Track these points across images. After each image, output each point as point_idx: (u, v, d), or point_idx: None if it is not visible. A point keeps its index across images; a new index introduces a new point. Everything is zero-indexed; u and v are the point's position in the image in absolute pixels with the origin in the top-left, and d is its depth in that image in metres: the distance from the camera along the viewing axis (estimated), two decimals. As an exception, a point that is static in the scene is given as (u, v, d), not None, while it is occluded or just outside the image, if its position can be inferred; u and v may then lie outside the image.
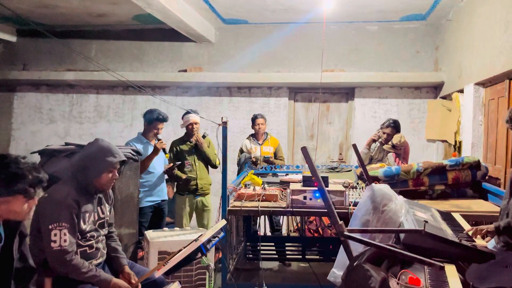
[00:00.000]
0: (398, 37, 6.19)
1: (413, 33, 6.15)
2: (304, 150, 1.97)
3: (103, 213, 2.57)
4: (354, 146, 3.27)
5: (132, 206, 3.45)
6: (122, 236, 3.13)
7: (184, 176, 4.58)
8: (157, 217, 4.37)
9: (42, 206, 2.26)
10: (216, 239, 2.38)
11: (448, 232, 2.53)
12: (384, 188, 2.92)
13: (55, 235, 2.22)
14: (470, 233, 2.53)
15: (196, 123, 4.65)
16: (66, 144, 3.02)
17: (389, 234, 2.55)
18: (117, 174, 2.54)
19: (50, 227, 2.19)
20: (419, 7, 5.42)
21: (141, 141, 4.31)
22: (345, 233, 1.90)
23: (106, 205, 2.63)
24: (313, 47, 6.19)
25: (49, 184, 2.50)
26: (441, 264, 1.84)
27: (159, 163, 4.36)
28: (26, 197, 1.82)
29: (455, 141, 5.27)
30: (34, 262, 2.04)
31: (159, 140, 4.20)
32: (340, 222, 1.92)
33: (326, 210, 3.51)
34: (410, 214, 2.64)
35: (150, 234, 3.31)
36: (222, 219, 2.89)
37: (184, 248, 2.25)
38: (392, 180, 3.88)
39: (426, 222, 2.61)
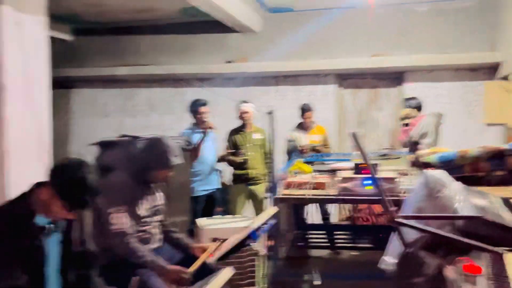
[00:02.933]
0: (449, 17, 5.89)
1: (466, 12, 5.83)
2: (354, 135, 1.95)
3: (156, 200, 2.69)
4: (353, 134, 3.13)
5: (184, 195, 3.57)
6: (175, 224, 3.24)
7: (238, 160, 4.67)
8: (210, 205, 4.50)
9: (101, 192, 2.39)
10: (267, 226, 2.41)
11: (507, 219, 2.41)
12: (438, 174, 2.82)
13: (114, 219, 2.37)
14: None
15: (247, 113, 4.73)
16: (122, 136, 3.16)
17: (444, 221, 2.47)
18: (172, 173, 2.66)
19: (109, 211, 2.32)
20: (474, -16, 5.14)
21: (194, 130, 4.47)
22: (397, 219, 1.86)
23: (160, 193, 2.75)
24: (360, 31, 6.03)
25: (107, 173, 2.66)
26: (500, 252, 1.76)
27: (211, 152, 4.48)
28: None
29: (516, 125, 4.98)
30: (94, 247, 2.16)
31: (205, 122, 4.34)
32: (392, 209, 1.88)
33: (376, 198, 3.45)
34: (467, 201, 2.54)
35: (201, 221, 3.41)
36: (273, 206, 2.92)
37: (235, 235, 2.30)
38: (447, 166, 3.72)
39: (484, 208, 2.51)
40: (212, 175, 4.53)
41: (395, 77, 6.32)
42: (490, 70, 5.83)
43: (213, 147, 4.57)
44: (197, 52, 6.74)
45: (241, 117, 4.80)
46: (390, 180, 3.45)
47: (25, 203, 1.83)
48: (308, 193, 3.55)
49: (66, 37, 6.94)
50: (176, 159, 2.61)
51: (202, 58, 6.70)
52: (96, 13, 6.20)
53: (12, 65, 2.24)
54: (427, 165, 3.56)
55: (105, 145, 3.05)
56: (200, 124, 4.44)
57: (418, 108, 5.01)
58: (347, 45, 6.18)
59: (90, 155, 3.23)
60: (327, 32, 6.20)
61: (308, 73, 6.41)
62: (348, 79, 6.49)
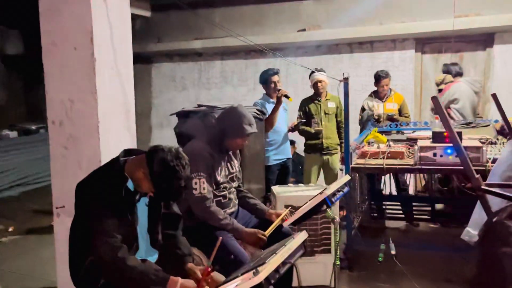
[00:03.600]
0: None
1: None
2: (434, 99, 1.85)
3: (232, 168, 2.79)
4: (494, 96, 2.95)
5: (259, 163, 3.65)
6: (250, 191, 3.35)
7: (313, 130, 4.64)
8: (283, 174, 4.54)
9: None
10: (341, 193, 2.40)
11: None
12: (530, 142, 2.62)
13: (196, 183, 2.50)
14: None
15: (321, 81, 4.66)
16: (199, 106, 3.29)
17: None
18: (247, 142, 2.73)
19: (191, 176, 2.46)
20: None
21: (266, 100, 4.45)
22: (482, 187, 1.76)
23: (235, 161, 2.85)
24: (443, -10, 5.59)
25: (187, 141, 2.80)
26: None
27: (283, 122, 4.49)
28: None
29: None
30: (178, 210, 2.31)
31: (278, 91, 4.25)
32: (477, 176, 1.79)
33: (458, 167, 3.28)
34: None
35: (276, 189, 3.47)
36: (345, 174, 2.89)
37: (310, 200, 2.33)
38: (541, 134, 3.43)
39: None
40: (285, 144, 4.54)
41: (483, 40, 5.81)
42: None
43: (285, 117, 4.57)
44: (269, 22, 6.70)
45: (314, 87, 4.72)
46: (475, 149, 3.25)
47: (119, 170, 1.98)
48: (383, 162, 3.47)
49: (146, 13, 7.25)
50: (251, 128, 2.66)
51: (275, 27, 6.66)
52: (172, -12, 6.37)
53: (100, 40, 2.41)
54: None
55: (184, 115, 3.20)
56: (272, 93, 4.41)
57: (458, 74, 4.96)
58: (427, 6, 5.76)
59: (170, 126, 3.42)
60: (406, -7, 5.83)
61: (384, 39, 6.12)
62: (428, 43, 6.09)
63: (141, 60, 7.45)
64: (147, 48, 7.30)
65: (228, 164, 2.77)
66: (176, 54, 7.41)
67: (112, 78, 2.52)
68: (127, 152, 2.09)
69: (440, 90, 5.01)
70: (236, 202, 2.81)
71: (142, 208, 2.08)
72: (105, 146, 2.47)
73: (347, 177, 2.64)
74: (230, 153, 2.81)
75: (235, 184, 2.81)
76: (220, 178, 2.65)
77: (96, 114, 2.42)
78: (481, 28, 5.50)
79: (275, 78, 4.39)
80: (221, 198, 2.68)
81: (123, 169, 1.98)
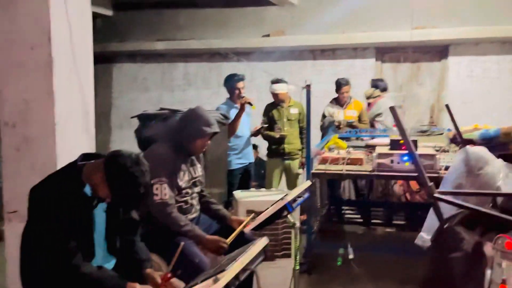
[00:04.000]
0: (500, -14, 5.56)
1: (519, -20, 5.48)
2: (392, 109, 1.92)
3: (195, 172, 2.77)
4: (447, 106, 3.08)
5: (221, 168, 3.64)
6: (212, 195, 3.33)
7: (277, 135, 4.68)
8: (245, 178, 4.57)
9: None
10: (301, 199, 2.44)
11: (553, 198, 2.33)
12: (479, 151, 2.74)
13: (157, 189, 2.46)
14: None
15: (278, 94, 4.69)
16: (161, 109, 3.25)
17: (484, 198, 2.42)
18: (209, 143, 2.70)
19: (152, 182, 2.41)
20: (528, -51, 4.80)
21: (229, 105, 4.44)
22: (435, 195, 1.84)
23: (198, 165, 2.82)
24: (402, 3, 5.79)
25: (147, 145, 2.76)
26: (544, 230, 1.72)
27: (246, 127, 4.51)
28: None
29: None
30: (137, 215, 2.26)
31: (242, 98, 4.27)
32: (430, 184, 1.86)
33: (413, 174, 3.40)
34: (510, 178, 2.48)
35: (238, 194, 3.48)
36: (306, 179, 2.94)
37: (271, 206, 2.35)
38: (490, 143, 3.60)
39: (528, 187, 2.43)
40: (247, 149, 4.57)
41: (439, 51, 6.08)
42: (542, 43, 5.51)
43: (248, 122, 4.59)
44: (234, 26, 6.71)
45: (273, 97, 4.78)
46: (430, 156, 3.39)
47: (76, 174, 1.92)
48: (343, 168, 3.55)
49: (108, 12, 7.08)
50: (211, 128, 2.63)
51: (239, 32, 6.67)
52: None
53: (59, 38, 2.33)
54: (467, 142, 3.46)
55: (145, 118, 3.14)
56: (236, 99, 4.41)
57: (384, 89, 5.33)
58: (388, 18, 5.97)
59: (131, 128, 3.35)
60: (366, 4, 6.00)
61: (346, 47, 6.28)
62: (388, 53, 6.31)
63: (102, 59, 7.24)
64: (109, 47, 7.12)
65: (191, 168, 2.74)
66: (139, 54, 7.28)
67: (71, 78, 2.45)
68: (86, 156, 2.03)
69: (369, 104, 5.30)
70: (198, 207, 2.78)
71: (99, 214, 2.03)
72: (62, 149, 2.38)
73: (308, 183, 2.68)
74: (193, 157, 2.79)
75: (197, 189, 2.78)
76: (182, 183, 2.62)
77: (52, 115, 2.34)
78: (437, 40, 5.76)
79: (240, 84, 4.40)
80: (182, 203, 2.64)
81: (81, 174, 1.93)
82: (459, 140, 3.93)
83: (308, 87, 3.46)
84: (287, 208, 2.26)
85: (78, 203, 1.89)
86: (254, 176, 6.06)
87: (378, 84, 5.30)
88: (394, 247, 4.17)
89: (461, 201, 2.21)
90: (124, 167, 1.85)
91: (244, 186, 4.45)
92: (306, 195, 2.53)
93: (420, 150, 3.53)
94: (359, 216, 4.98)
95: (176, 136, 2.63)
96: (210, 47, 6.47)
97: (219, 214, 2.80)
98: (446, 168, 3.29)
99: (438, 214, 1.93)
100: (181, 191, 2.62)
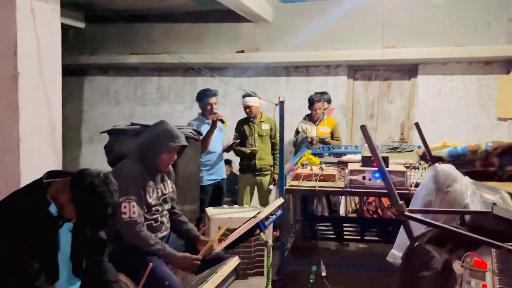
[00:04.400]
0: (466, 9, 5.78)
1: (483, 4, 5.71)
2: (363, 128, 1.93)
3: (165, 189, 2.71)
4: (417, 124, 3.15)
5: (193, 184, 3.59)
6: (184, 212, 3.27)
7: (248, 151, 4.66)
8: (217, 194, 4.52)
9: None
10: (274, 216, 2.42)
11: (519, 215, 2.39)
12: (448, 168, 2.80)
13: (125, 207, 2.39)
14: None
15: (251, 106, 4.72)
16: (132, 124, 3.19)
17: (453, 216, 2.46)
18: (176, 157, 2.64)
19: (120, 200, 2.35)
20: (491, -25, 5.03)
21: (201, 121, 4.41)
22: (405, 213, 1.85)
23: (168, 182, 2.77)
24: (373, 22, 5.95)
25: (117, 161, 2.69)
26: (510, 247, 1.75)
27: (218, 142, 4.48)
28: None
29: (530, 120, 4.90)
30: (104, 234, 2.19)
31: (214, 114, 4.24)
32: (401, 202, 1.87)
33: (385, 191, 3.44)
34: (477, 196, 2.53)
35: (210, 211, 3.43)
36: (279, 196, 2.93)
37: (243, 224, 2.32)
38: (457, 160, 3.70)
39: (495, 204, 2.48)
40: (219, 165, 4.53)
41: (408, 70, 6.25)
42: (506, 64, 5.74)
43: (220, 137, 4.56)
44: (208, 41, 6.73)
45: (245, 111, 4.80)
46: (400, 173, 3.44)
47: (40, 192, 1.85)
48: (316, 185, 3.56)
49: (80, 24, 6.98)
50: (177, 141, 2.58)
51: (214, 47, 6.69)
52: (109, 0, 6.20)
53: (26, 53, 2.26)
54: (437, 159, 3.54)
55: (115, 133, 3.08)
56: (208, 115, 4.38)
57: (329, 102, 5.59)
58: (360, 36, 6.12)
59: (101, 142, 3.27)
60: (339, 22, 6.13)
61: (319, 64, 6.37)
62: (360, 70, 6.44)
63: (73, 72, 7.12)
64: (80, 60, 7.00)
65: (161, 185, 2.68)
66: (111, 67, 7.18)
67: (37, 93, 2.37)
68: (52, 174, 1.96)
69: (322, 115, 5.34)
70: (168, 225, 2.72)
71: (65, 234, 1.95)
72: (26, 166, 2.30)
73: (280, 200, 2.67)
74: (164, 173, 2.74)
75: (167, 206, 2.72)
76: (151, 200, 2.56)
77: (17, 131, 2.26)
78: (407, 59, 5.92)
79: (212, 99, 4.37)
80: (152, 221, 2.58)
81: (46, 192, 1.85)
82: (428, 158, 4.04)
83: (281, 103, 3.47)
84: (260, 226, 2.24)
85: (42, 223, 1.82)
86: (228, 191, 6.02)
87: (326, 97, 5.39)
88: (366, 264, 4.19)
89: (431, 219, 2.24)
90: (91, 186, 1.79)
91: (216, 202, 4.40)
92: (279, 212, 2.51)
93: (391, 167, 3.58)
94: (332, 232, 4.98)
95: (144, 152, 2.58)
96: (184, 61, 6.44)
97: (189, 234, 2.74)
98: (417, 185, 3.34)
99: (408, 232, 1.94)
100: (150, 208, 2.56)
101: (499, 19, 5.69)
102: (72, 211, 1.82)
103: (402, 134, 6.34)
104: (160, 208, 2.63)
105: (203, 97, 4.40)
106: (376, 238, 4.86)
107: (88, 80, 7.37)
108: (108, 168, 2.69)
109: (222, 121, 4.26)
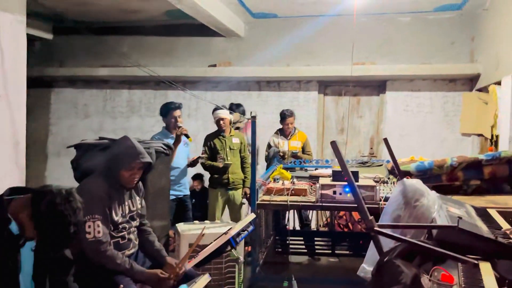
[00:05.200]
0: (431, 28, 6.01)
1: (447, 24, 5.96)
2: (333, 144, 1.96)
3: (133, 205, 2.64)
4: (385, 140, 3.21)
5: (163, 199, 3.52)
6: (154, 228, 3.20)
7: (221, 165, 4.61)
8: (181, 210, 4.43)
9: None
10: (246, 232, 2.40)
11: (483, 229, 2.46)
12: (416, 183, 2.86)
13: (89, 226, 2.31)
14: (508, 232, 2.45)
15: (223, 119, 4.70)
16: (100, 138, 3.11)
17: (421, 229, 2.51)
18: (138, 175, 2.58)
19: (84, 219, 2.27)
20: (454, -4, 5.26)
21: (165, 135, 4.31)
22: (375, 228, 1.87)
23: (137, 198, 2.70)
24: (343, 39, 6.10)
25: (84, 177, 2.61)
26: (475, 261, 1.79)
27: (183, 158, 4.41)
28: None
29: (492, 135, 5.09)
30: (69, 253, 2.11)
31: (179, 127, 4.17)
32: (370, 217, 1.90)
33: (356, 205, 3.49)
34: (443, 210, 2.58)
35: (181, 226, 3.37)
36: (251, 213, 2.91)
37: (214, 241, 2.29)
38: (425, 174, 3.79)
39: (460, 218, 2.55)
40: (183, 180, 4.44)
41: (377, 86, 6.41)
42: (469, 81, 5.97)
43: (185, 152, 4.49)
44: (180, 55, 6.71)
45: (217, 124, 4.76)
46: (370, 187, 3.48)
47: (1, 210, 1.76)
48: (287, 199, 3.56)
49: (48, 36, 6.82)
50: (140, 158, 2.51)
51: (186, 61, 6.67)
52: (79, 12, 6.11)
53: (-12, 64, 2.18)
54: (405, 174, 3.62)
55: (83, 148, 2.99)
56: (172, 128, 4.29)
57: (243, 113, 5.27)
58: (330, 53, 6.24)
59: (69, 156, 3.18)
60: (310, 39, 6.25)
61: (290, 79, 6.45)
62: (330, 86, 6.55)
63: (40, 84, 6.94)
64: (47, 72, 6.84)
65: (129, 201, 2.61)
66: (80, 80, 7.03)
67: (1, 107, 2.29)
68: (13, 191, 1.88)
69: (237, 128, 5.15)
70: (137, 242, 2.65)
71: (26, 253, 1.86)
72: (-13, 182, 2.20)
73: (252, 216, 2.65)
74: (132, 189, 2.67)
75: (135, 223, 2.65)
76: (118, 218, 2.48)
77: (-23, 145, 2.16)
78: (375, 75, 6.07)
79: (176, 113, 4.30)
80: (119, 239, 2.50)
81: (6, 210, 1.77)
82: (397, 172, 4.12)
83: (253, 118, 3.47)
84: (231, 243, 2.21)
85: (2, 241, 1.73)
86: (198, 206, 5.95)
87: (241, 110, 5.19)
88: (337, 278, 4.20)
89: (399, 234, 2.28)
90: (52, 204, 1.72)
91: (181, 218, 4.31)
92: (251, 228, 2.49)
93: (361, 181, 3.62)
94: (303, 246, 4.98)
95: (107, 168, 2.51)
96: (154, 75, 6.39)
97: (155, 256, 2.66)
98: (386, 199, 3.39)
99: (378, 247, 1.97)
100: (117, 226, 2.49)
101: (462, 39, 5.93)
102: (33, 230, 1.74)
103: (371, 148, 6.47)
104: (127, 225, 2.56)
105: (167, 110, 4.31)
106: (347, 252, 4.90)
107: (55, 92, 7.19)
108: (75, 184, 2.61)
109: (187, 136, 4.20)
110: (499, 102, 4.78)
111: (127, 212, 2.57)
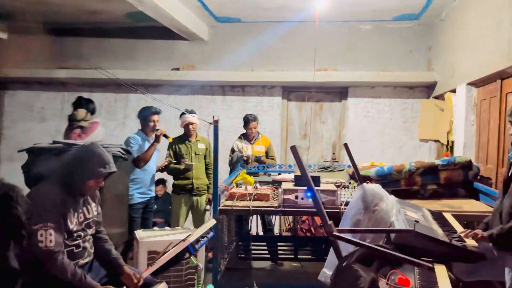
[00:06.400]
0: (391, 37, 6.18)
1: (406, 33, 6.15)
2: (293, 149, 1.95)
3: (89, 213, 2.53)
4: (346, 145, 3.25)
5: (121, 205, 3.42)
6: (111, 236, 3.09)
7: (182, 166, 4.59)
8: (146, 213, 4.40)
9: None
10: (205, 239, 2.35)
11: (438, 232, 2.52)
12: (375, 187, 2.91)
13: (41, 235, 2.19)
14: (462, 235, 2.52)
15: (192, 123, 4.67)
16: (54, 142, 2.98)
17: (380, 234, 2.54)
18: (103, 183, 2.50)
19: (36, 227, 2.15)
20: (412, 6, 5.42)
21: (141, 136, 4.40)
22: (334, 233, 1.88)
23: (93, 204, 2.58)
24: (307, 46, 6.17)
25: (36, 183, 2.48)
26: (430, 265, 1.82)
27: (153, 160, 4.39)
28: None
29: (448, 141, 5.28)
30: (18, 263, 1.99)
31: (157, 130, 4.31)
32: (330, 222, 1.90)
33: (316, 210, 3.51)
34: (401, 214, 2.63)
35: (140, 233, 3.28)
36: (213, 218, 2.86)
37: (172, 248, 2.22)
38: (384, 179, 3.88)
39: (417, 222, 2.60)
40: (150, 183, 4.43)
41: (339, 92, 6.51)
42: (426, 89, 6.17)
43: (156, 156, 4.46)
44: (143, 58, 6.58)
45: (185, 128, 4.72)
46: (331, 192, 3.51)
47: None
48: (250, 204, 3.53)
49: (2, 35, 6.53)
50: (107, 168, 2.44)
51: (148, 64, 6.55)
52: (36, 11, 5.88)
53: None
54: (365, 179, 3.68)
55: (35, 152, 2.86)
56: (150, 131, 4.41)
57: (94, 112, 4.39)
58: (294, 59, 6.30)
59: (23, 160, 3.02)
60: (274, 44, 6.29)
61: (255, 84, 6.45)
62: (293, 92, 6.60)
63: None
64: (1, 73, 6.52)
65: (84, 208, 2.50)
66: (36, 82, 6.75)
67: None
68: None
69: (81, 127, 4.17)
70: (92, 250, 2.54)
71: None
72: None
73: (212, 222, 2.60)
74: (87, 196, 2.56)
75: (91, 231, 2.54)
76: (72, 226, 2.36)
77: None
78: (338, 82, 6.16)
79: (155, 117, 4.42)
80: (73, 247, 2.38)
81: None
82: (357, 177, 4.19)
83: (216, 122, 3.43)
84: (190, 250, 2.15)
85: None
86: (161, 212, 5.84)
87: (89, 107, 4.31)
88: (299, 283, 4.21)
89: (359, 239, 2.30)
90: (4, 197, 1.62)
91: (145, 222, 4.30)
92: (211, 234, 2.44)
93: (322, 186, 3.65)
94: (266, 251, 4.97)
95: (67, 175, 2.39)
96: (116, 78, 6.24)
97: (112, 264, 2.55)
98: (347, 204, 3.42)
99: (337, 252, 1.97)
100: (71, 234, 2.37)
101: (420, 48, 6.13)
102: None
103: (333, 153, 6.55)
104: (82, 234, 2.44)
105: (146, 113, 4.43)
106: (310, 257, 4.93)
107: (9, 94, 6.87)
108: (27, 190, 2.48)
109: (166, 136, 4.31)
110: (455, 109, 4.97)
111: (82, 219, 2.46)
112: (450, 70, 5.12)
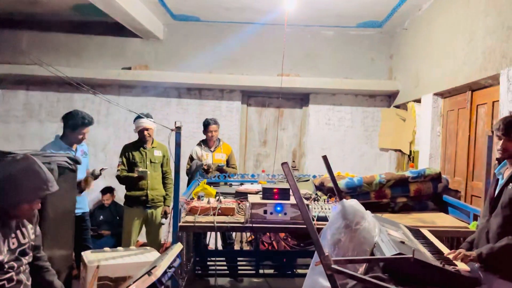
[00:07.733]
0: (353, 44, 6.09)
1: (368, 40, 6.08)
2: (285, 166, 1.66)
3: (24, 237, 2.06)
4: (325, 158, 2.99)
5: (67, 224, 2.95)
6: (54, 259, 2.64)
7: (136, 174, 4.09)
8: (79, 229, 3.72)
9: None
10: (172, 269, 1.99)
11: (427, 255, 2.35)
12: (355, 204, 2.67)
13: None
14: (451, 257, 2.36)
15: (148, 129, 4.23)
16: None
17: (363, 252, 2.33)
18: (39, 205, 2.05)
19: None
20: (376, 14, 5.34)
21: (60, 147, 3.61)
22: (333, 266, 1.60)
23: (29, 226, 2.12)
24: (268, 49, 5.94)
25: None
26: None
27: (81, 169, 3.70)
28: None
29: (410, 151, 5.23)
30: None
31: (80, 149, 3.73)
32: (327, 253, 1.62)
33: (288, 226, 3.24)
34: (384, 234, 2.44)
35: (88, 256, 2.83)
36: (179, 243, 2.48)
37: (134, 282, 1.85)
38: (354, 192, 3.69)
39: (403, 243, 2.41)
40: (81, 196, 3.80)
41: (300, 98, 6.32)
42: (387, 98, 6.13)
43: (86, 162, 3.88)
44: (90, 55, 6.04)
45: (140, 134, 4.27)
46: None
47: None
48: (214, 220, 3.20)
49: None
50: (46, 189, 2.00)
51: (96, 62, 6.01)
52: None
53: None
54: (332, 191, 3.48)
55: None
56: (76, 143, 3.75)
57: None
58: (255, 62, 6.04)
59: None
60: (234, 47, 5.99)
61: (213, 87, 6.11)
62: (253, 97, 6.33)
63: None
64: None
65: (18, 232, 2.04)
66: (-35, 77, 6.00)
67: None
68: None
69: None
70: (29, 283, 2.08)
71: None
72: None
73: (178, 247, 2.25)
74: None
75: (27, 259, 2.07)
76: (3, 256, 1.92)
77: None
78: (299, 88, 5.96)
79: (87, 130, 3.75)
80: (5, 282, 1.92)
81: None
82: (326, 187, 3.97)
83: (178, 129, 3.07)
84: (156, 286, 1.79)
85: None
86: (108, 224, 5.34)
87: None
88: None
89: (347, 263, 2.05)
90: None
91: (79, 237, 3.65)
92: (177, 262, 2.09)
93: (292, 199, 3.39)
94: (226, 267, 4.64)
95: None
96: (59, 75, 5.65)
97: None
98: (319, 219, 3.20)
99: (334, 286, 1.70)
100: (2, 266, 1.91)
101: (381, 56, 6.09)
102: None
103: (294, 161, 6.35)
104: (16, 264, 1.98)
105: (76, 123, 3.68)
106: (272, 271, 4.66)
107: None
108: None
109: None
110: (418, 119, 4.91)
111: (15, 246, 1.99)
112: (413, 80, 5.07)
